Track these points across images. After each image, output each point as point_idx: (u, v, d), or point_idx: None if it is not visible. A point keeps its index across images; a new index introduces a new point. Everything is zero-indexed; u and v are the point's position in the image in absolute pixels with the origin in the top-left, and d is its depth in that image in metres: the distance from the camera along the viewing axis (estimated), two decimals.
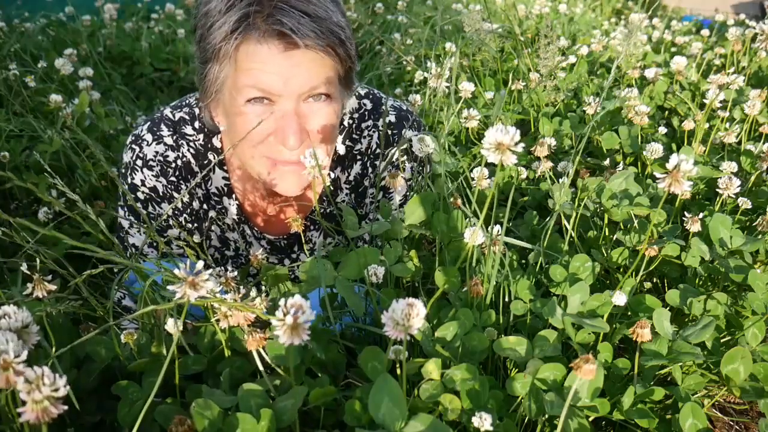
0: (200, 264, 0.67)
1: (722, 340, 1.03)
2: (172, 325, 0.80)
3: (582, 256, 1.06)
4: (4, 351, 0.59)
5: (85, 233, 1.62)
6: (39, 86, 2.29)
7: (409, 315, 0.66)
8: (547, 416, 0.83)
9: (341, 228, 1.04)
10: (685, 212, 1.15)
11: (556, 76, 2.20)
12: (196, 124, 1.29)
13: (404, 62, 2.65)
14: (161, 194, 1.27)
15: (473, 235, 0.91)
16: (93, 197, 1.84)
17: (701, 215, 1.15)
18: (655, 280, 1.25)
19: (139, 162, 1.26)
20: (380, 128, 1.34)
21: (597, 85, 2.35)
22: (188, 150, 1.28)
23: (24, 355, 0.59)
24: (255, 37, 1.05)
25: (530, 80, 2.19)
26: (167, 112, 1.31)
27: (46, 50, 2.92)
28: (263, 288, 1.02)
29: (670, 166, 0.79)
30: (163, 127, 1.28)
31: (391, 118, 1.35)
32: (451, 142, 1.27)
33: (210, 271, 0.68)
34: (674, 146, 1.75)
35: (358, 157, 1.36)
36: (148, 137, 1.27)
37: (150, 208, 1.28)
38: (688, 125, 1.65)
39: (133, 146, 1.28)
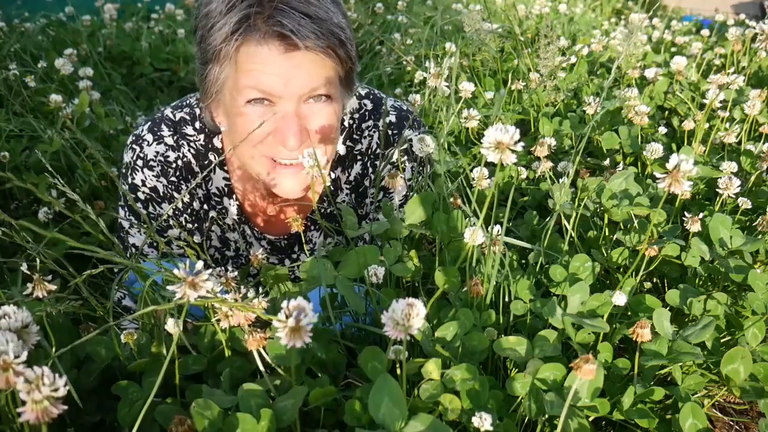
0: (200, 264, 0.67)
1: (722, 340, 1.03)
2: (172, 325, 0.80)
3: (582, 256, 1.06)
4: (3, 352, 0.59)
5: (85, 233, 1.62)
6: (39, 86, 2.29)
7: (409, 315, 0.66)
8: (547, 416, 0.83)
9: (341, 228, 1.04)
10: (685, 212, 1.15)
11: (556, 76, 2.20)
12: (197, 125, 1.29)
13: (404, 62, 2.65)
14: (162, 194, 1.27)
15: (473, 235, 0.91)
16: (93, 197, 1.84)
17: (701, 215, 1.15)
18: (655, 280, 1.25)
19: (139, 162, 1.26)
20: (380, 128, 1.34)
21: (597, 85, 2.35)
22: (189, 150, 1.28)
23: (24, 356, 0.59)
24: (255, 38, 1.05)
25: (530, 80, 2.19)
26: (168, 112, 1.31)
27: (46, 50, 2.92)
28: (263, 288, 1.02)
29: (670, 166, 0.79)
30: (163, 127, 1.28)
31: (392, 118, 1.35)
32: (451, 142, 1.27)
33: (209, 271, 0.68)
34: (674, 146, 1.75)
35: (359, 157, 1.36)
36: (149, 137, 1.27)
37: (150, 209, 1.28)
38: (688, 125, 1.65)
39: (134, 146, 1.28)
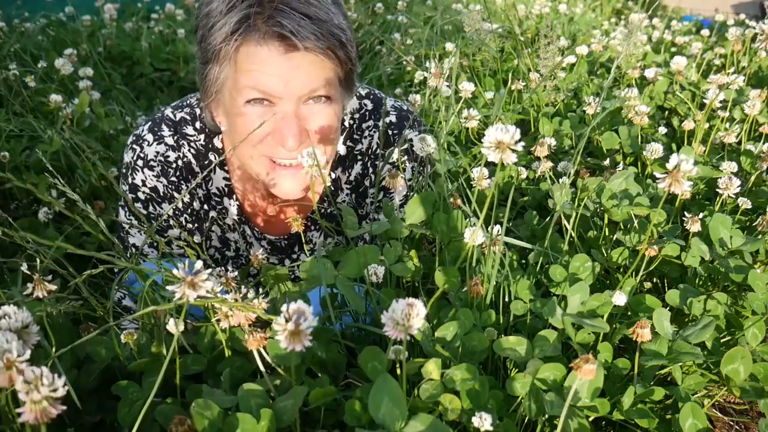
0: (199, 264, 0.67)
1: (722, 340, 1.03)
2: (173, 325, 0.80)
3: (582, 256, 1.06)
4: (7, 350, 0.59)
5: (85, 233, 1.62)
6: (39, 86, 2.29)
7: (409, 315, 0.66)
8: (547, 416, 0.83)
9: (341, 228, 1.04)
10: (685, 212, 1.15)
11: (556, 76, 2.20)
12: (197, 125, 1.29)
13: (404, 62, 2.65)
14: (162, 194, 1.27)
15: (473, 235, 0.91)
16: (93, 197, 1.84)
17: (701, 215, 1.15)
18: (655, 280, 1.25)
19: (139, 162, 1.26)
20: (381, 128, 1.34)
21: (597, 85, 2.35)
22: (189, 150, 1.28)
23: (27, 355, 0.59)
24: (255, 38, 1.05)
25: (530, 80, 2.19)
26: (168, 112, 1.31)
27: (46, 50, 2.92)
28: (263, 288, 1.02)
29: (670, 166, 0.79)
30: (164, 127, 1.28)
31: (392, 118, 1.35)
32: (451, 142, 1.27)
33: (209, 271, 0.68)
34: (674, 146, 1.75)
35: (359, 157, 1.36)
36: (149, 137, 1.27)
37: (150, 208, 1.28)
38: (688, 125, 1.65)
39: (134, 146, 1.28)
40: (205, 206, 1.34)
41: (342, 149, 1.34)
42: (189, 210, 1.33)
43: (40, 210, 1.69)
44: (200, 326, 0.91)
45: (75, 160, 1.84)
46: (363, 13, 3.67)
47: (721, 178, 1.21)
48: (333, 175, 1.37)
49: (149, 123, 1.30)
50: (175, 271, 0.66)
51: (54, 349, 0.77)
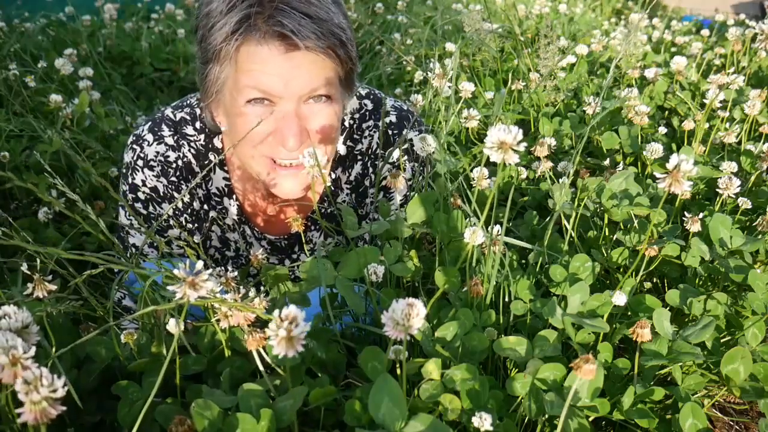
0: (200, 264, 0.67)
1: (722, 340, 1.03)
2: (173, 325, 0.80)
3: (582, 256, 1.06)
4: (12, 347, 0.59)
5: (85, 233, 1.62)
6: (39, 86, 2.29)
7: (409, 315, 0.66)
8: (547, 416, 0.83)
9: (341, 228, 1.04)
10: (685, 212, 1.15)
11: (556, 76, 2.20)
12: (197, 125, 1.29)
13: (404, 62, 2.65)
14: (162, 194, 1.27)
15: (473, 235, 0.91)
16: (93, 197, 1.84)
17: (701, 215, 1.14)
18: (655, 280, 1.25)
19: (140, 162, 1.26)
20: (380, 128, 1.34)
21: (597, 85, 2.35)
22: (189, 150, 1.28)
23: (32, 352, 0.59)
24: (255, 38, 1.05)
25: (530, 80, 2.19)
26: (168, 112, 1.31)
27: (46, 50, 2.92)
28: (263, 288, 1.02)
29: (670, 166, 0.79)
30: (164, 127, 1.28)
31: (392, 118, 1.35)
32: (451, 142, 1.27)
33: (210, 271, 0.68)
34: (674, 146, 1.75)
35: (359, 157, 1.36)
36: (149, 137, 1.27)
37: (150, 208, 1.28)
38: (688, 125, 1.65)
39: (134, 146, 1.28)
40: (205, 206, 1.34)
41: (342, 149, 1.34)
42: (189, 210, 1.33)
43: (40, 210, 1.69)
44: (200, 326, 0.91)
45: (75, 160, 1.84)
46: (363, 13, 3.67)
47: (721, 178, 1.21)
48: (333, 175, 1.37)
49: (149, 123, 1.30)
50: (176, 272, 0.66)
51: (54, 349, 0.77)
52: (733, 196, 1.22)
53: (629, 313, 1.04)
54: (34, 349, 0.60)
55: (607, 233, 1.23)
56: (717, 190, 1.21)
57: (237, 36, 1.05)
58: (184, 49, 3.21)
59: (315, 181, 0.99)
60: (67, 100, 2.05)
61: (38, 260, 0.87)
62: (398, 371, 0.81)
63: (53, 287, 0.80)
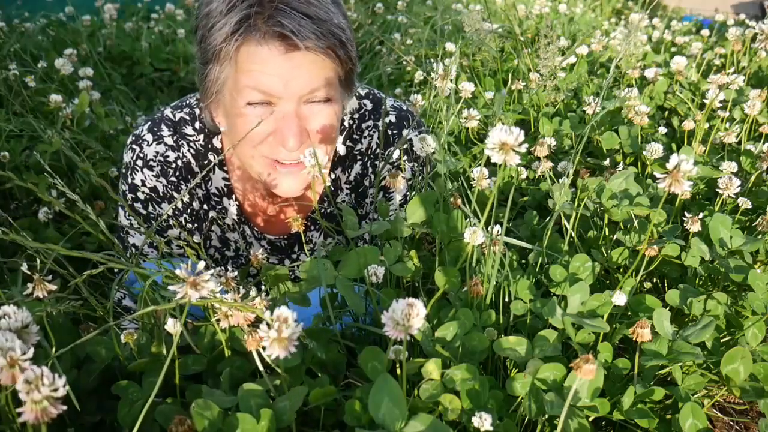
0: (201, 264, 0.67)
1: (722, 340, 1.03)
2: (173, 325, 0.80)
3: (582, 256, 1.06)
4: (10, 348, 0.59)
5: (85, 233, 1.62)
6: (39, 86, 2.29)
7: (409, 315, 0.66)
8: (547, 416, 0.83)
9: (341, 228, 1.04)
10: (685, 212, 1.15)
11: (556, 76, 2.20)
12: (197, 125, 1.29)
13: (404, 62, 2.65)
14: (161, 194, 1.27)
15: (473, 235, 0.91)
16: (93, 197, 1.84)
17: (701, 215, 1.14)
18: (655, 280, 1.25)
19: (139, 162, 1.26)
20: (380, 128, 1.34)
21: (597, 85, 2.35)
22: (188, 150, 1.28)
23: (30, 353, 0.59)
24: (256, 38, 1.05)
25: (530, 80, 2.19)
26: (168, 112, 1.31)
27: (46, 50, 2.92)
28: (263, 288, 1.02)
29: (670, 166, 0.79)
30: (163, 127, 1.28)
31: (392, 118, 1.35)
32: (451, 142, 1.27)
33: (211, 271, 0.68)
34: (674, 146, 1.75)
35: (359, 157, 1.36)
36: (149, 137, 1.27)
37: (150, 208, 1.28)
38: (688, 125, 1.65)
39: (134, 146, 1.28)
40: (205, 206, 1.34)
41: (341, 149, 1.34)
42: (188, 210, 1.33)
43: (40, 210, 1.69)
44: (200, 326, 0.91)
45: (75, 160, 1.84)
46: (363, 13, 3.67)
47: (721, 178, 1.21)
48: (333, 175, 1.37)
49: (149, 123, 1.30)
50: (177, 272, 0.66)
51: (54, 349, 0.77)
52: (733, 196, 1.22)
53: (629, 313, 1.04)
54: (32, 350, 0.59)
55: (607, 233, 1.23)
56: (717, 190, 1.21)
57: (237, 36, 1.05)
58: (184, 49, 3.21)
59: (315, 181, 0.99)
60: (67, 100, 2.05)
61: (38, 260, 0.87)
62: (398, 371, 0.81)
63: (53, 287, 0.80)
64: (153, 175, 1.26)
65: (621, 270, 1.17)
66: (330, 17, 1.07)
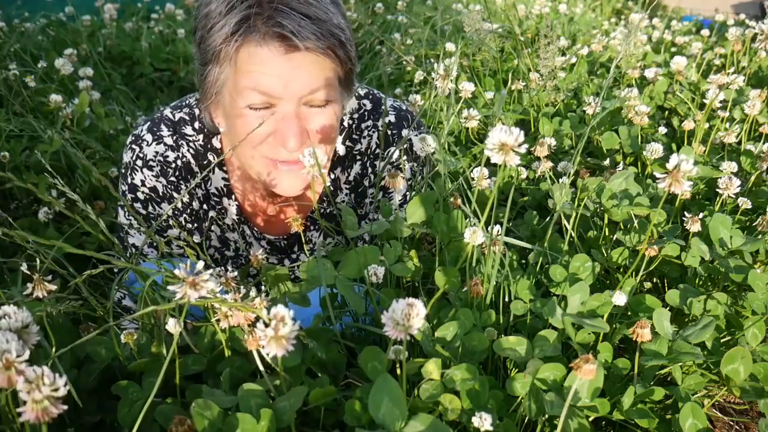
0: (200, 264, 0.67)
1: (722, 340, 1.03)
2: (173, 325, 0.80)
3: (582, 256, 1.06)
4: (6, 350, 0.59)
5: (85, 233, 1.62)
6: (39, 86, 2.29)
7: (409, 315, 0.66)
8: (547, 416, 0.83)
9: (341, 228, 1.04)
10: (685, 212, 1.15)
11: (556, 76, 2.20)
12: (196, 125, 1.29)
13: (404, 62, 2.65)
14: (161, 194, 1.27)
15: (473, 235, 0.91)
16: (93, 197, 1.84)
17: (701, 215, 1.14)
18: (655, 280, 1.25)
19: (139, 162, 1.26)
20: (380, 128, 1.34)
21: (597, 85, 2.35)
22: (188, 150, 1.28)
23: (26, 355, 0.59)
24: (255, 39, 1.05)
25: (530, 80, 2.19)
26: (167, 112, 1.31)
27: (46, 50, 2.92)
28: (263, 288, 1.02)
29: (670, 166, 0.79)
30: (163, 127, 1.28)
31: (391, 118, 1.35)
32: (451, 142, 1.27)
33: (210, 271, 0.68)
34: (674, 146, 1.75)
35: (358, 157, 1.36)
36: (148, 137, 1.27)
37: (150, 208, 1.28)
38: (688, 125, 1.65)
39: (133, 146, 1.28)
40: (204, 206, 1.34)
41: (341, 149, 1.34)
42: (188, 210, 1.33)
43: (40, 210, 1.69)
44: (200, 326, 0.91)
45: (75, 160, 1.84)
46: (363, 13, 3.67)
47: (721, 178, 1.21)
48: (332, 176, 1.37)
49: (148, 123, 1.30)
50: (176, 272, 0.66)
51: (54, 349, 0.77)
52: (733, 196, 1.22)
53: (629, 313, 1.04)
54: (28, 352, 0.59)
55: (607, 233, 1.23)
56: (717, 190, 1.21)
57: (237, 37, 1.05)
58: (184, 49, 3.21)
59: (314, 181, 0.99)
60: (67, 100, 2.05)
61: (38, 260, 0.87)
62: (398, 371, 0.81)
63: (53, 287, 0.80)
64: (153, 175, 1.26)
65: (621, 270, 1.17)
66: (329, 17, 1.07)
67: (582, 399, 0.82)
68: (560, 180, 1.25)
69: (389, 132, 1.35)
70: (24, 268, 0.87)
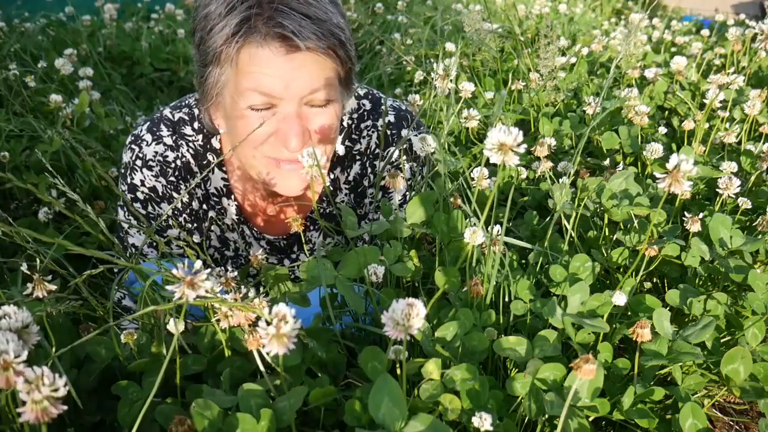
0: (198, 263, 0.67)
1: (722, 340, 1.03)
2: (173, 325, 0.80)
3: (582, 256, 1.06)
4: (4, 351, 0.59)
5: (85, 233, 1.62)
6: (39, 86, 2.29)
7: (409, 315, 0.66)
8: (547, 416, 0.83)
9: (341, 228, 1.04)
10: (685, 212, 1.15)
11: (556, 76, 2.20)
12: (196, 125, 1.29)
13: (404, 62, 2.65)
14: (161, 194, 1.27)
15: (473, 235, 0.91)
16: (93, 197, 1.84)
17: (701, 215, 1.14)
18: (655, 280, 1.25)
19: (138, 162, 1.26)
20: (379, 128, 1.34)
21: (597, 85, 2.35)
22: (187, 150, 1.28)
23: (24, 355, 0.59)
24: (256, 40, 1.05)
25: (530, 80, 2.19)
26: (167, 112, 1.31)
27: (46, 50, 2.92)
28: (263, 288, 1.02)
29: (670, 166, 0.79)
30: (162, 127, 1.28)
31: (391, 118, 1.35)
32: (451, 142, 1.27)
33: (208, 270, 0.68)
34: (674, 146, 1.75)
35: (358, 157, 1.36)
36: (148, 137, 1.27)
37: (150, 208, 1.28)
38: (688, 125, 1.65)
39: (133, 146, 1.28)
40: (204, 206, 1.34)
41: (341, 149, 1.34)
42: (188, 210, 1.33)
43: (40, 210, 1.69)
44: (200, 326, 0.91)
45: (75, 160, 1.84)
46: (363, 13, 3.67)
47: (721, 178, 1.21)
48: (332, 176, 1.37)
49: (148, 123, 1.30)
50: (174, 271, 0.66)
51: (54, 349, 0.77)
52: (733, 196, 1.22)
53: (629, 313, 1.04)
54: (26, 353, 0.59)
55: (607, 233, 1.23)
56: (717, 190, 1.21)
57: (237, 38, 1.05)
58: (184, 49, 3.21)
59: (314, 181, 0.99)
60: (67, 100, 2.05)
61: (38, 260, 0.87)
62: (398, 371, 0.81)
63: (53, 287, 0.80)
64: (152, 175, 1.26)
65: (621, 270, 1.17)
66: (329, 17, 1.07)
67: (582, 399, 0.82)
68: (560, 180, 1.25)
69: (389, 132, 1.35)
70: (24, 268, 0.87)
